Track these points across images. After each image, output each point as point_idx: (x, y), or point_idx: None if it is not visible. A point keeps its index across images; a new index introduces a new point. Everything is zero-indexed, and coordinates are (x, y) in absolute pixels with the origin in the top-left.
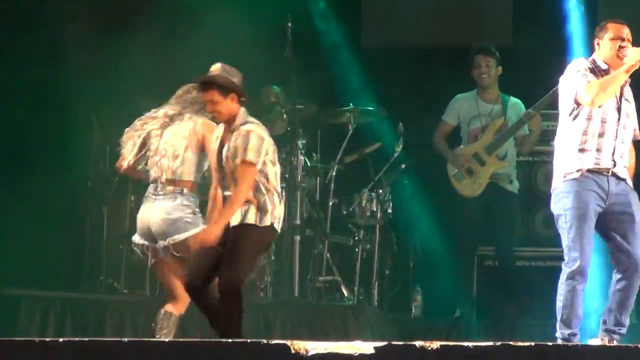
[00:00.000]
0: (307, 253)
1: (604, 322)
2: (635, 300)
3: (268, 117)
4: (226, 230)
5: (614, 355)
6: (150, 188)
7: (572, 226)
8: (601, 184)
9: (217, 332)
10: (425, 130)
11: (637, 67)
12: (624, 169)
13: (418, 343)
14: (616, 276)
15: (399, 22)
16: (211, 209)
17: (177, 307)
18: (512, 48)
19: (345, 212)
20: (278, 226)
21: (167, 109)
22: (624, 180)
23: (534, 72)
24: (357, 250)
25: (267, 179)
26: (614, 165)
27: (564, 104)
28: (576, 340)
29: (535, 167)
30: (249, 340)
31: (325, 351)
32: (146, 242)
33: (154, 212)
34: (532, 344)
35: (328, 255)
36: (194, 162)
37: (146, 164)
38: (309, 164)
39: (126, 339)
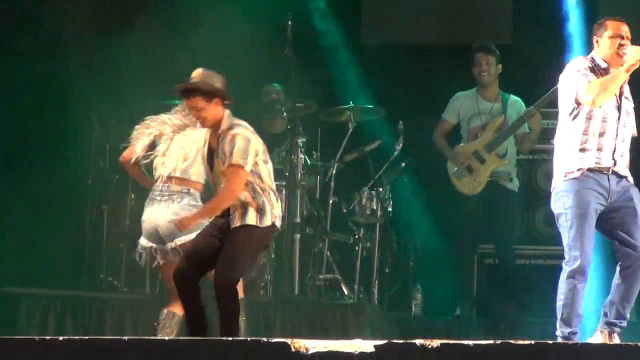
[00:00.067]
0: (307, 251)
1: (605, 315)
2: (635, 299)
3: (268, 116)
4: (226, 230)
5: (614, 353)
6: (155, 189)
7: (572, 225)
8: (602, 183)
9: (192, 333)
10: (426, 128)
11: (637, 66)
12: (625, 167)
13: (418, 341)
14: (621, 268)
15: (399, 20)
16: None
17: (181, 308)
18: (512, 46)
19: (345, 211)
20: (278, 224)
21: (178, 120)
22: (624, 177)
23: (534, 71)
24: (357, 248)
25: (261, 179)
26: (615, 164)
27: (564, 103)
28: (576, 339)
29: (535, 165)
30: (249, 339)
31: (325, 349)
32: (154, 245)
33: (160, 213)
34: (532, 342)
35: (328, 253)
36: (204, 166)
37: (150, 164)
38: (309, 162)
39: (126, 337)
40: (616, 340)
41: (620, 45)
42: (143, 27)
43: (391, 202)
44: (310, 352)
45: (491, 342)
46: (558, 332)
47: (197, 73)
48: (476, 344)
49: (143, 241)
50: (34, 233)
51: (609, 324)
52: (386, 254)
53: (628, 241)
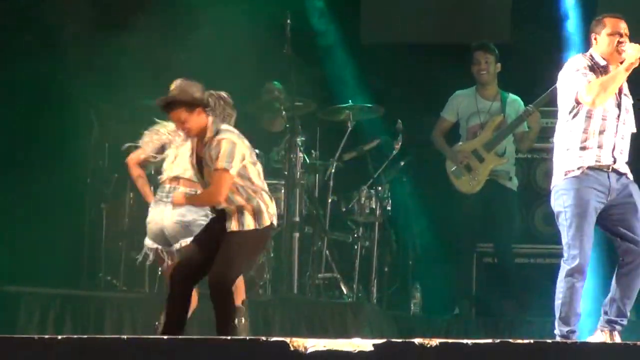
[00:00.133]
0: (306, 250)
1: (605, 313)
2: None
3: (268, 115)
4: (223, 233)
5: (613, 352)
6: (161, 191)
7: (571, 224)
8: (602, 181)
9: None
10: (425, 127)
11: (636, 65)
12: (624, 164)
13: (417, 340)
14: (622, 264)
15: (398, 19)
16: None
17: None
18: (511, 45)
19: (344, 209)
20: (275, 222)
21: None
22: (624, 174)
23: (533, 70)
24: (356, 247)
25: (252, 181)
26: (615, 162)
27: (564, 102)
28: (575, 338)
29: (535, 164)
30: (247, 338)
31: (324, 348)
32: (159, 246)
33: (167, 215)
34: (531, 341)
35: (327, 252)
36: (195, 175)
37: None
38: (308, 161)
39: (125, 336)
40: (617, 338)
41: (620, 42)
42: (143, 26)
43: (390, 201)
44: (309, 351)
45: (490, 341)
46: (557, 331)
47: (175, 85)
48: (475, 343)
49: (148, 242)
50: (33, 232)
51: (610, 322)
52: (385, 252)
53: (630, 237)
